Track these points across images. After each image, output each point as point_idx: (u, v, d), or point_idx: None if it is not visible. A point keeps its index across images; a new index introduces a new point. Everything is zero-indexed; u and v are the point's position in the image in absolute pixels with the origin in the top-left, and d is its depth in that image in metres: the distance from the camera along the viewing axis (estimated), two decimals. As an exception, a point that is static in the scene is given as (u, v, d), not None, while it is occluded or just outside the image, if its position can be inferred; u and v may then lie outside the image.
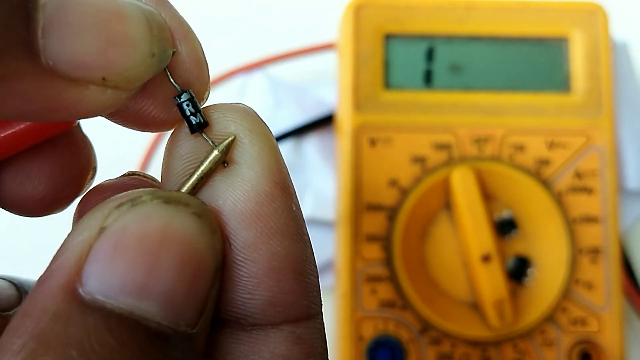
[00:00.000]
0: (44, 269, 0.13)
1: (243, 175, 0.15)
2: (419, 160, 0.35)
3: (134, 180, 0.18)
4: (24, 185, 0.19)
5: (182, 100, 0.15)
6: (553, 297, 0.35)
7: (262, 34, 0.44)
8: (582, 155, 0.36)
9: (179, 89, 0.15)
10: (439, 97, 0.36)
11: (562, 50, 0.37)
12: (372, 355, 0.34)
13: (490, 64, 0.37)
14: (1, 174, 0.19)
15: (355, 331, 0.34)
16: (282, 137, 0.39)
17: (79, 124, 0.21)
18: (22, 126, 0.18)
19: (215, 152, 0.15)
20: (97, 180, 0.19)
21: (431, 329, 0.34)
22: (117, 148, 0.40)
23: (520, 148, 0.36)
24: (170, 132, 0.16)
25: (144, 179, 0.18)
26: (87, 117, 0.15)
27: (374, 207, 0.35)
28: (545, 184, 0.36)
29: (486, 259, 0.34)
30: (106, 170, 0.21)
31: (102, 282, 0.13)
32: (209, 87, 0.16)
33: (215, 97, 0.45)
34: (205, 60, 0.16)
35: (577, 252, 0.35)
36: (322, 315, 0.16)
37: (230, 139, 0.15)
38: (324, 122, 0.40)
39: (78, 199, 0.19)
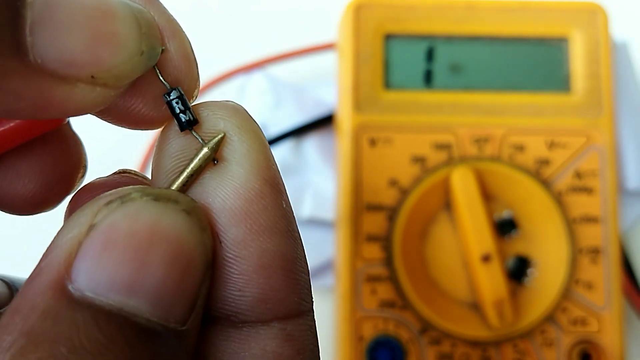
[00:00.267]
0: (35, 266, 0.13)
1: (232, 173, 0.15)
2: (419, 160, 0.35)
3: (124, 178, 0.18)
4: (13, 184, 0.19)
5: (171, 97, 0.15)
6: (553, 297, 0.35)
7: (262, 34, 0.44)
8: (582, 155, 0.36)
9: (168, 87, 0.15)
10: (439, 97, 0.36)
11: (562, 50, 0.37)
12: (372, 355, 0.34)
13: (490, 64, 0.37)
14: None
15: (355, 331, 0.34)
16: (282, 137, 0.39)
17: (68, 121, 0.20)
18: (11, 124, 0.18)
19: (205, 150, 0.15)
20: (89, 179, 0.19)
21: (431, 329, 0.34)
22: (115, 151, 0.40)
23: (520, 148, 0.36)
24: (160, 129, 0.16)
25: (135, 176, 0.18)
26: (76, 115, 0.15)
27: (374, 207, 0.35)
28: (545, 184, 0.36)
29: (486, 259, 0.34)
30: (104, 173, 0.21)
31: (92, 279, 0.13)
32: (199, 84, 0.16)
33: (215, 97, 0.45)
34: (195, 58, 0.16)
35: (577, 252, 0.35)
36: (313, 312, 0.16)
37: (220, 136, 0.15)
38: (324, 122, 0.40)
39: (69, 197, 0.19)
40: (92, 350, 0.12)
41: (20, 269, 0.20)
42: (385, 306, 0.34)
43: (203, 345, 0.15)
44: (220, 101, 0.16)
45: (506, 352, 0.35)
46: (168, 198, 0.14)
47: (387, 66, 0.36)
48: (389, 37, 0.37)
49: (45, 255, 0.13)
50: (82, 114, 0.15)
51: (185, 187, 0.15)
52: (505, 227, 0.36)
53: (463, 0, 0.37)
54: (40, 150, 0.19)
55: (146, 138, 0.41)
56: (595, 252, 0.35)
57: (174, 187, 0.15)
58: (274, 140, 0.39)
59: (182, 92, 0.15)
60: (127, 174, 0.18)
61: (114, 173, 0.18)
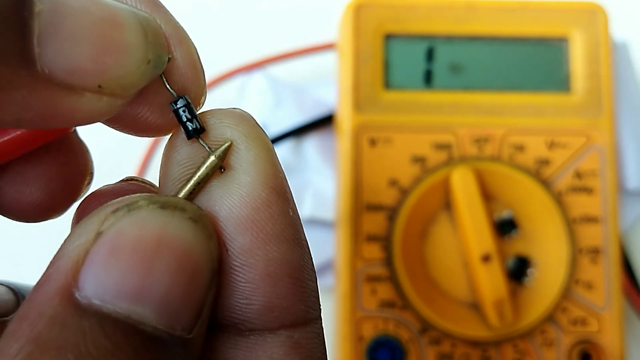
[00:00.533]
0: (42, 273, 0.13)
1: (239, 181, 0.15)
2: (419, 160, 0.35)
3: (132, 186, 0.18)
4: (20, 191, 0.19)
5: (178, 106, 0.15)
6: (553, 297, 0.35)
7: (262, 34, 0.44)
8: (582, 155, 0.36)
9: (175, 95, 0.15)
10: (439, 97, 0.36)
11: (562, 50, 0.37)
12: (372, 355, 0.34)
13: (490, 64, 0.37)
14: None
15: (355, 331, 0.34)
16: (281, 137, 0.39)
17: (75, 129, 0.20)
18: (19, 133, 0.18)
19: (212, 158, 0.15)
20: (94, 185, 0.19)
21: (431, 329, 0.34)
22: (114, 153, 0.40)
23: (520, 148, 0.36)
24: (168, 136, 0.16)
25: (142, 184, 0.18)
26: (83, 124, 0.15)
27: (374, 207, 0.35)
28: (545, 184, 0.36)
29: (486, 259, 0.34)
30: (103, 175, 0.21)
31: (98, 286, 0.13)
32: (206, 92, 0.16)
33: (215, 97, 0.45)
34: (201, 66, 0.16)
35: (577, 252, 0.35)
36: (320, 320, 0.16)
37: (226, 144, 0.15)
38: (324, 122, 0.40)
39: (76, 204, 0.19)
40: (98, 357, 0.12)
41: (27, 276, 0.20)
42: (385, 306, 0.34)
43: (210, 353, 0.15)
44: (228, 109, 0.16)
45: (506, 352, 0.35)
46: (175, 206, 0.14)
47: (387, 66, 0.36)
48: (389, 37, 0.37)
49: (52, 263, 0.13)
50: (89, 123, 0.15)
51: (192, 195, 0.15)
52: (505, 227, 0.36)
53: (463, 0, 0.37)
54: (46, 158, 0.19)
55: (146, 140, 0.41)
56: (595, 252, 0.35)
57: (181, 195, 0.15)
58: (274, 140, 0.39)
59: (189, 101, 0.15)
60: (135, 182, 0.18)
61: (122, 180, 0.18)
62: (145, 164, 0.41)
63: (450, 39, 0.37)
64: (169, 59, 0.15)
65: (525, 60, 0.37)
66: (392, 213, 0.35)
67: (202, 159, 0.15)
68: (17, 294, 0.19)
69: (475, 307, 0.35)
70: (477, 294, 0.35)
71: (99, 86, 0.14)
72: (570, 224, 0.35)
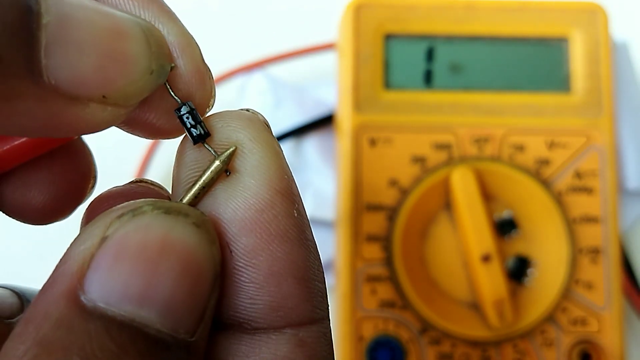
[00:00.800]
0: (46, 277, 0.14)
1: (244, 184, 0.15)
2: (419, 160, 0.35)
3: (140, 188, 0.18)
4: (26, 196, 0.19)
5: (182, 113, 0.15)
6: (553, 297, 0.35)
7: (262, 34, 0.44)
8: (582, 155, 0.36)
9: (179, 102, 0.15)
10: (439, 97, 0.36)
11: (562, 50, 0.37)
12: (372, 355, 0.34)
13: (490, 64, 0.37)
14: (3, 184, 0.19)
15: (355, 331, 0.34)
16: (282, 137, 0.39)
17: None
18: (24, 140, 0.18)
19: (217, 163, 0.15)
20: (99, 186, 0.19)
21: (431, 329, 0.34)
22: (114, 153, 0.40)
23: (520, 148, 0.36)
24: (180, 138, 0.17)
25: (151, 186, 0.18)
26: (87, 133, 0.15)
27: (374, 207, 0.35)
28: (545, 184, 0.36)
29: (486, 259, 0.34)
30: (103, 175, 0.21)
31: (104, 289, 0.13)
32: (214, 97, 0.16)
33: (215, 97, 0.45)
34: (207, 69, 0.16)
35: (577, 252, 0.35)
36: (328, 320, 0.16)
37: (231, 149, 0.15)
38: (324, 122, 0.40)
39: (84, 206, 0.19)
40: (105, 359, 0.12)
41: (30, 279, 0.20)
42: (385, 306, 0.34)
43: (215, 350, 0.15)
44: (236, 111, 0.16)
45: (506, 352, 0.35)
46: (178, 211, 0.14)
47: (387, 66, 0.36)
48: (389, 37, 0.37)
49: (58, 267, 0.13)
50: (93, 132, 0.15)
51: (197, 199, 0.15)
52: (505, 227, 0.36)
53: (463, 0, 0.37)
54: (50, 163, 0.20)
55: (145, 140, 0.41)
56: (595, 252, 0.35)
57: (186, 199, 0.15)
58: (274, 140, 0.39)
59: (193, 107, 0.16)
60: (144, 184, 0.18)
61: (130, 182, 0.18)
62: (145, 164, 0.41)
63: (450, 39, 0.37)
64: (172, 67, 0.15)
65: (525, 60, 0.37)
66: (392, 213, 0.35)
67: (207, 163, 0.15)
68: (21, 297, 0.19)
69: (475, 307, 0.35)
70: (477, 294, 0.35)
71: (103, 96, 0.14)
72: (570, 224, 0.35)
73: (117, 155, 0.41)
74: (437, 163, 0.35)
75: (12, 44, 0.12)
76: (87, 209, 0.18)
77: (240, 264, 0.15)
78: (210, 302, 0.14)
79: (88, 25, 0.13)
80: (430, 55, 0.37)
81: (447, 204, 0.36)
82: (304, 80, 0.43)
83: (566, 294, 0.35)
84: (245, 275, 0.15)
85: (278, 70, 0.42)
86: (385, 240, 0.35)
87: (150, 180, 0.19)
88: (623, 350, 0.35)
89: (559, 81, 0.37)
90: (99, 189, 0.19)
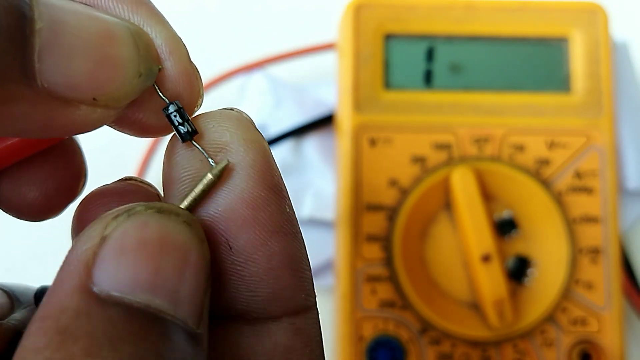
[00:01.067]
0: (42, 273, 0.14)
1: (240, 184, 0.16)
2: (419, 160, 0.35)
3: (130, 186, 0.19)
4: (18, 194, 0.20)
5: (169, 111, 0.16)
6: (553, 297, 0.35)
7: (262, 34, 0.44)
8: (582, 155, 0.36)
9: (167, 101, 0.16)
10: (439, 97, 0.36)
11: (562, 50, 0.37)
12: (372, 355, 0.34)
13: (490, 64, 0.37)
14: (0, 181, 0.20)
15: (355, 331, 0.34)
16: (282, 137, 0.39)
17: None
18: (17, 140, 0.19)
19: (209, 177, 0.16)
20: (95, 184, 0.19)
21: (431, 329, 0.34)
22: (114, 153, 0.40)
23: (520, 148, 0.36)
24: (169, 136, 0.17)
25: (140, 184, 0.19)
26: (78, 134, 0.16)
27: (374, 207, 0.35)
28: (545, 184, 0.36)
29: (486, 259, 0.34)
30: (103, 175, 0.21)
31: (114, 280, 0.13)
32: (202, 96, 0.17)
33: (215, 97, 0.45)
34: (194, 70, 0.17)
35: (577, 252, 0.35)
36: (316, 306, 0.17)
37: (223, 164, 0.16)
38: (324, 122, 0.40)
39: (74, 204, 0.19)
40: (130, 341, 0.13)
41: (21, 277, 0.20)
42: (385, 306, 0.34)
43: (219, 342, 0.16)
44: (225, 111, 0.17)
45: (506, 352, 0.35)
46: (170, 211, 0.14)
47: (387, 66, 0.36)
48: (389, 37, 0.37)
49: (61, 270, 0.14)
50: (84, 132, 0.15)
51: (191, 211, 0.16)
52: (505, 227, 0.36)
53: (463, 0, 0.37)
54: (43, 161, 0.20)
55: (146, 140, 0.41)
56: (595, 252, 0.35)
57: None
58: (274, 140, 0.39)
59: (180, 106, 0.16)
60: (133, 181, 0.19)
61: (119, 180, 0.19)
62: (145, 164, 0.41)
63: (450, 39, 0.37)
64: (160, 69, 0.16)
65: (525, 60, 0.37)
66: (392, 213, 0.35)
67: (199, 166, 0.16)
68: (11, 296, 0.20)
69: (475, 307, 0.35)
70: (477, 294, 0.35)
71: (94, 99, 0.14)
72: (570, 224, 0.35)
73: (118, 155, 0.41)
74: (437, 163, 0.35)
75: (7, 49, 0.13)
76: (78, 206, 0.19)
77: (241, 260, 0.16)
78: (206, 298, 0.15)
79: (79, 31, 0.14)
80: (430, 55, 0.37)
81: (447, 204, 0.36)
82: (304, 80, 0.43)
83: (566, 294, 0.35)
84: (245, 270, 0.16)
85: (278, 70, 0.42)
86: (385, 240, 0.35)
87: (140, 179, 0.19)
88: (623, 350, 0.35)
89: (559, 81, 0.37)
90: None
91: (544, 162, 0.36)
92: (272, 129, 0.40)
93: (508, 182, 0.36)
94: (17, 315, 0.19)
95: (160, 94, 0.16)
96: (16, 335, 0.18)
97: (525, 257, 0.36)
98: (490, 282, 0.34)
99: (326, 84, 0.41)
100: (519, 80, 0.37)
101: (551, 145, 0.36)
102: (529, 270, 0.36)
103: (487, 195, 0.36)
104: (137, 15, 0.16)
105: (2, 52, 0.13)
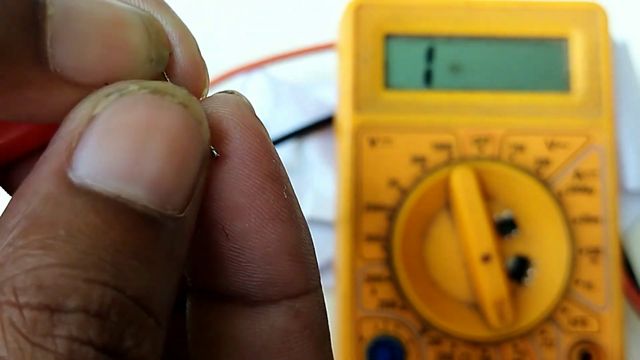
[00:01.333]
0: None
1: (234, 170, 0.16)
2: (419, 160, 0.35)
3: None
4: None
5: None
6: (553, 297, 0.35)
7: (262, 34, 0.44)
8: (582, 155, 0.36)
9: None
10: (439, 97, 0.36)
11: (562, 50, 0.37)
12: (372, 355, 0.34)
13: (490, 64, 0.37)
14: (12, 172, 0.20)
15: (355, 331, 0.34)
16: (282, 139, 0.39)
17: None
18: (29, 128, 0.19)
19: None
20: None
21: (431, 329, 0.34)
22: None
23: (520, 148, 0.36)
24: None
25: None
26: None
27: (374, 207, 0.35)
28: (545, 184, 0.36)
29: (486, 259, 0.34)
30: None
31: (91, 166, 0.13)
32: (208, 84, 0.17)
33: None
34: (202, 60, 0.17)
35: (577, 252, 0.35)
36: (321, 288, 0.17)
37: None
38: (325, 124, 0.40)
39: None
40: (89, 234, 0.13)
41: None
42: (385, 306, 0.34)
43: (220, 323, 0.16)
44: (224, 95, 0.17)
45: (506, 352, 0.35)
46: (165, 91, 0.14)
47: (387, 66, 0.36)
48: (389, 37, 0.37)
49: (48, 147, 0.14)
50: None
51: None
52: (505, 227, 0.36)
53: (463, 0, 0.37)
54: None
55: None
56: (595, 252, 0.35)
57: None
58: (275, 142, 0.39)
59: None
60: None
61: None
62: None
63: (450, 39, 0.37)
64: (170, 54, 0.16)
65: (525, 60, 0.37)
66: (392, 213, 0.35)
67: None
68: None
69: (475, 307, 0.35)
70: (477, 294, 0.35)
71: (106, 83, 0.14)
72: (570, 224, 0.35)
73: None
74: (437, 163, 0.35)
75: (21, 35, 0.13)
76: None
77: (236, 246, 0.16)
78: (199, 181, 0.14)
79: (91, 16, 0.14)
80: (430, 55, 0.37)
81: (447, 204, 0.36)
82: (304, 80, 0.43)
83: (566, 294, 0.35)
84: (241, 256, 0.16)
85: (278, 70, 0.42)
86: (385, 240, 0.35)
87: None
88: (623, 350, 0.35)
89: (559, 81, 0.37)
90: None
91: (544, 162, 0.36)
92: (273, 129, 0.40)
93: (508, 182, 0.36)
94: None
95: (167, 80, 0.16)
96: None
97: (525, 257, 0.36)
98: (490, 282, 0.34)
99: (326, 84, 0.41)
100: (519, 80, 0.37)
101: (551, 145, 0.36)
102: (529, 270, 0.36)
103: (487, 195, 0.36)
104: (146, 3, 0.16)
105: (15, 38, 0.13)
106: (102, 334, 0.12)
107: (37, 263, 0.12)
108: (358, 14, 0.36)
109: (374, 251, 0.35)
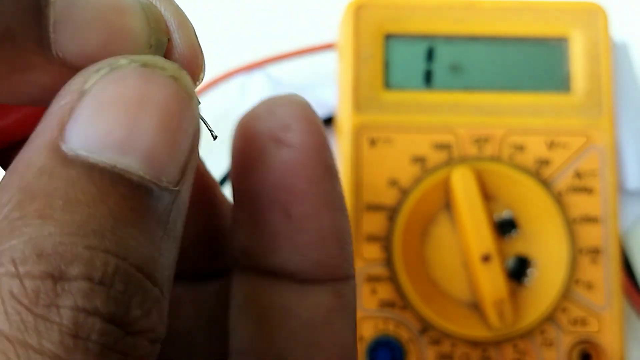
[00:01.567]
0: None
1: (300, 159, 0.17)
2: (419, 160, 0.35)
3: None
4: None
5: None
6: (553, 297, 0.35)
7: (262, 34, 0.44)
8: (582, 155, 0.36)
9: None
10: (439, 97, 0.36)
11: (562, 50, 0.37)
12: (372, 355, 0.34)
13: (490, 64, 0.37)
14: (14, 156, 0.20)
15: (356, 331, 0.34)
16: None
17: None
18: (30, 111, 0.19)
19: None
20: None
21: (431, 329, 0.34)
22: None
23: (520, 148, 0.36)
24: None
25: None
26: None
27: (374, 207, 0.35)
28: (545, 184, 0.36)
29: (486, 259, 0.34)
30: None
31: (84, 138, 0.13)
32: (204, 70, 0.17)
33: (215, 96, 0.45)
34: (199, 46, 0.17)
35: (577, 252, 0.35)
36: (355, 277, 0.19)
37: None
38: (325, 124, 0.40)
39: None
40: (87, 203, 0.13)
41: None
42: (385, 306, 0.34)
43: (267, 295, 0.18)
44: (290, 96, 0.18)
45: (506, 352, 0.35)
46: (155, 64, 0.14)
47: (387, 66, 0.36)
48: (389, 37, 0.37)
49: (39, 123, 0.14)
50: None
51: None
52: (505, 227, 0.36)
53: (463, 0, 0.37)
54: None
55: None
56: (595, 252, 0.35)
57: None
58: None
59: None
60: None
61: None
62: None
63: (450, 39, 0.37)
64: (168, 40, 0.16)
65: (525, 60, 0.37)
66: (392, 213, 0.35)
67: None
68: None
69: (475, 307, 0.35)
70: (477, 294, 0.35)
71: None
72: (570, 224, 0.35)
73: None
74: (437, 163, 0.35)
75: (25, 20, 0.14)
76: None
77: (297, 226, 0.17)
78: (192, 159, 0.14)
79: (92, 3, 0.14)
80: (430, 55, 0.37)
81: (447, 204, 0.36)
82: (304, 80, 0.43)
83: (566, 294, 0.35)
84: (299, 237, 0.17)
85: (278, 70, 0.42)
86: (385, 240, 0.35)
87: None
88: (623, 350, 0.35)
89: (559, 81, 0.37)
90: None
91: (544, 162, 0.36)
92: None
93: (508, 182, 0.36)
94: None
95: None
96: None
97: (525, 257, 0.36)
98: (490, 282, 0.34)
99: (326, 84, 0.41)
100: (519, 80, 0.37)
101: (551, 145, 0.36)
102: (529, 270, 0.36)
103: (487, 195, 0.36)
104: None
105: (20, 23, 0.13)
106: (108, 303, 0.12)
107: (36, 232, 0.12)
108: (358, 14, 0.36)
109: (374, 251, 0.35)
